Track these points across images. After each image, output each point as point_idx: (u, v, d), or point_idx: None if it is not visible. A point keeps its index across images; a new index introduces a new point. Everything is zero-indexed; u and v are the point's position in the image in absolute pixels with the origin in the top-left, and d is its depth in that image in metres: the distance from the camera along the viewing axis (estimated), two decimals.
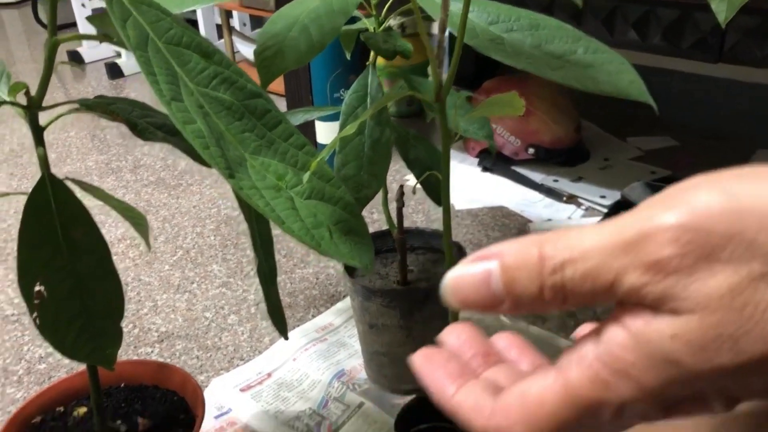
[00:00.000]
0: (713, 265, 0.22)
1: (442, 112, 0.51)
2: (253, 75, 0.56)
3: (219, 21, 2.36)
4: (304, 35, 0.61)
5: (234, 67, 0.48)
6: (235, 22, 2.45)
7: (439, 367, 0.30)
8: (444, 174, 0.54)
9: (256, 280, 1.19)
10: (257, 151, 0.47)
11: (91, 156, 1.76)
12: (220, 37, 2.35)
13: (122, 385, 0.71)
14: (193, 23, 2.43)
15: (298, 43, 0.63)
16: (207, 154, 0.42)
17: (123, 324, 1.08)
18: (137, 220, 0.67)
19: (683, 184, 0.25)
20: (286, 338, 0.67)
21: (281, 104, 1.75)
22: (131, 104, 0.56)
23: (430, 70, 0.53)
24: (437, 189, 0.78)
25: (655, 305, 0.23)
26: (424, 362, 0.30)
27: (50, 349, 1.03)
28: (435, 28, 0.70)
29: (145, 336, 1.06)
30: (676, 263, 0.23)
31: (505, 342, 0.33)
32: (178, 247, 1.32)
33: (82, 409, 0.68)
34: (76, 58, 2.48)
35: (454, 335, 0.33)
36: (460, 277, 0.26)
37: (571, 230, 0.25)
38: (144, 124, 0.54)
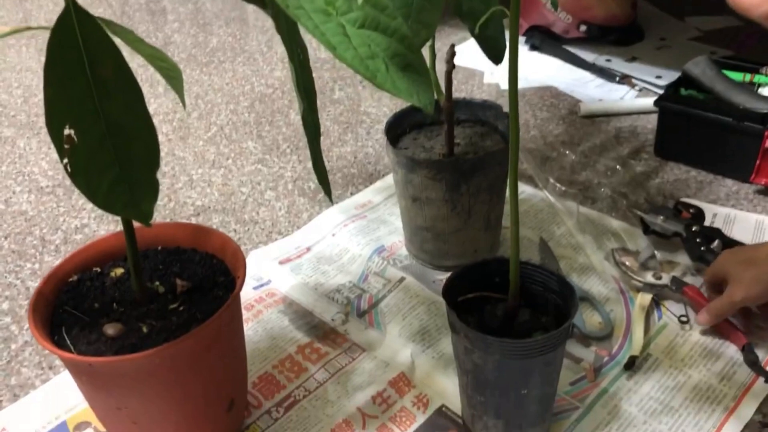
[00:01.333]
0: None
1: None
2: None
3: None
4: None
5: None
6: None
7: None
8: (513, 13, 0.48)
9: (293, 157, 1.15)
10: None
11: None
12: None
13: (159, 248, 0.69)
14: None
15: None
16: None
17: (158, 198, 1.06)
18: (170, 72, 0.62)
19: None
20: (331, 200, 0.63)
21: None
22: None
23: None
24: (496, 45, 0.71)
25: None
26: None
27: (85, 220, 1.01)
28: None
29: (181, 209, 1.03)
30: None
31: None
32: (212, 123, 1.28)
33: (119, 270, 0.66)
34: None
35: None
36: None
37: None
38: None
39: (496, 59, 0.71)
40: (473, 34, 0.68)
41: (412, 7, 0.62)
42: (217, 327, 0.59)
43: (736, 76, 1.07)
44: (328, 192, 0.61)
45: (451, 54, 0.74)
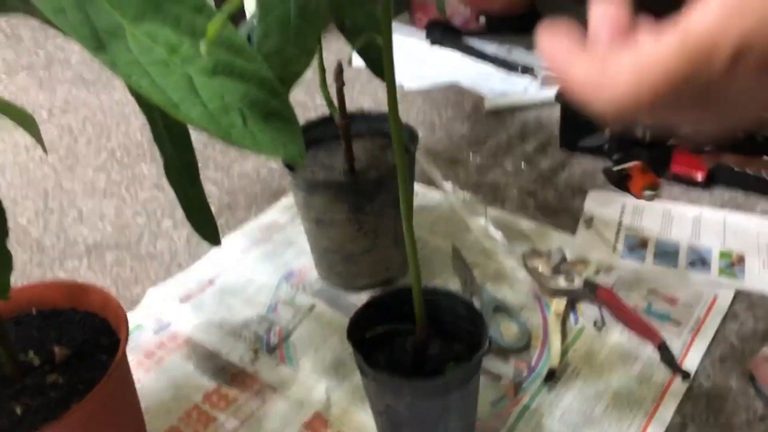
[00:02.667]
0: None
1: None
2: None
3: None
4: None
5: None
6: None
7: (558, 41, 0.31)
8: (385, 36, 0.44)
9: None
10: (140, 17, 0.36)
11: None
12: None
13: (33, 311, 0.62)
14: None
15: None
16: (62, 20, 0.32)
17: (45, 237, 0.98)
18: (21, 119, 0.56)
19: None
20: (218, 244, 0.58)
21: None
22: None
23: None
24: (380, 59, 0.67)
25: None
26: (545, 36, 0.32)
27: None
28: None
29: (71, 249, 0.96)
30: None
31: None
32: (102, 148, 1.19)
33: None
34: None
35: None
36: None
37: None
38: None
39: (382, 75, 0.67)
40: (356, 50, 0.64)
41: (289, 30, 0.57)
42: (102, 397, 0.53)
43: None
44: (212, 238, 0.56)
45: (339, 71, 0.70)
